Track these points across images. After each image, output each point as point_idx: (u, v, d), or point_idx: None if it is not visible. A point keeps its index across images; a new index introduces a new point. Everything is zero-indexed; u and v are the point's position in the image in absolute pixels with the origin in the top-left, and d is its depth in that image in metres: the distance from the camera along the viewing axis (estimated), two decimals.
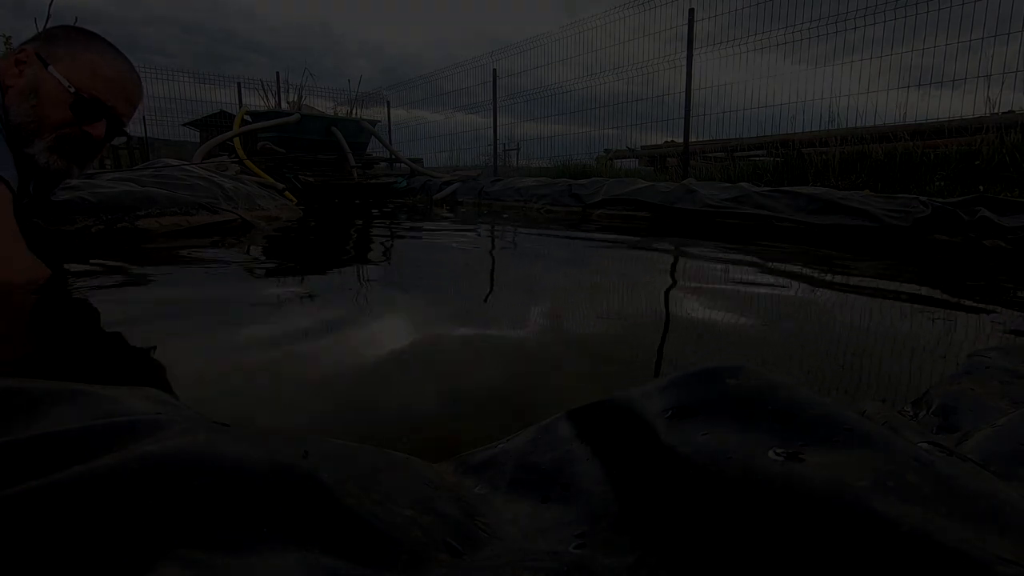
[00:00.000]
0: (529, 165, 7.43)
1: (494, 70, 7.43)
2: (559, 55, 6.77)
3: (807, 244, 1.95)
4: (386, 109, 9.77)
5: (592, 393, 0.61)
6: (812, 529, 0.22)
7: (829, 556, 0.21)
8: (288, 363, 0.69)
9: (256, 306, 0.98)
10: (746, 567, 0.23)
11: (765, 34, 4.74)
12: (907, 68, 4.03)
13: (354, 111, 5.69)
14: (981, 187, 2.96)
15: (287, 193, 2.97)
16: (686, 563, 0.24)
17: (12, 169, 0.96)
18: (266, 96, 5.80)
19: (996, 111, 3.72)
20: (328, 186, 3.94)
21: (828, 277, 1.36)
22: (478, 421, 0.55)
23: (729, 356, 0.76)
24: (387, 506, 0.25)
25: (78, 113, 1.04)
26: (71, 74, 1.03)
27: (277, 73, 8.51)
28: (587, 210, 3.02)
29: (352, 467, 0.26)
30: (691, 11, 5.00)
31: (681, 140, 5.28)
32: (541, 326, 0.89)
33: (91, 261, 1.26)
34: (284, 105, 6.01)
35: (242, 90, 9.80)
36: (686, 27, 5.04)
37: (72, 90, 1.02)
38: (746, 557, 0.23)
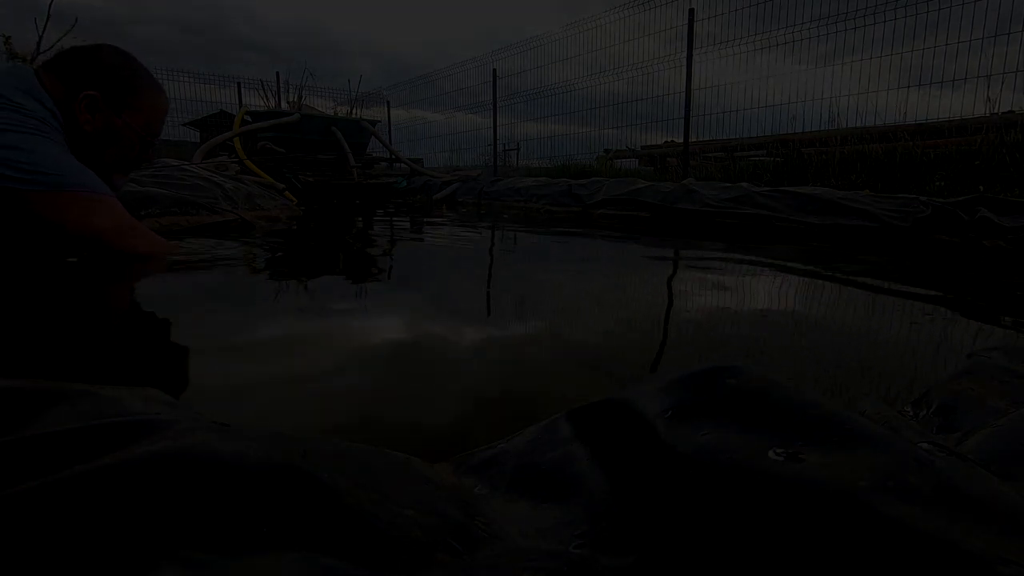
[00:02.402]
0: (529, 165, 7.43)
1: (494, 70, 7.43)
2: (559, 55, 6.77)
3: (807, 244, 1.95)
4: (386, 109, 9.77)
5: (593, 392, 0.61)
6: (812, 529, 0.22)
7: (830, 556, 0.21)
8: (288, 361, 0.69)
9: (256, 305, 0.98)
10: (746, 567, 0.23)
11: (765, 34, 4.74)
12: (907, 68, 4.03)
13: (354, 111, 5.69)
14: (981, 187, 2.96)
15: (287, 193, 2.97)
16: (686, 563, 0.24)
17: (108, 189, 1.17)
18: (266, 96, 5.81)
19: (996, 111, 3.72)
20: (328, 186, 3.93)
21: (828, 277, 1.36)
22: (481, 419, 0.55)
23: (729, 356, 0.76)
24: (387, 506, 0.25)
25: (144, 148, 1.26)
26: (140, 120, 1.21)
27: (277, 73, 8.51)
28: (587, 210, 3.02)
29: (352, 467, 0.26)
30: (691, 11, 5.00)
31: (681, 140, 5.28)
32: (543, 325, 0.89)
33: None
34: (284, 105, 6.01)
35: (242, 90, 9.80)
36: (686, 27, 5.04)
37: (146, 137, 1.23)
38: (746, 557, 0.23)
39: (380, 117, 8.89)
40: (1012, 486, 0.26)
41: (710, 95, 5.17)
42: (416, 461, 0.32)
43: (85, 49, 1.20)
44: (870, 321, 0.95)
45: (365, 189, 4.23)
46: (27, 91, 1.06)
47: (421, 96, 9.33)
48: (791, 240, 2.05)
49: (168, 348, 0.74)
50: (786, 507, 0.23)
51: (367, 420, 0.55)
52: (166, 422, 0.28)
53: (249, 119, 4.19)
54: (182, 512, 0.21)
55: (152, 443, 0.25)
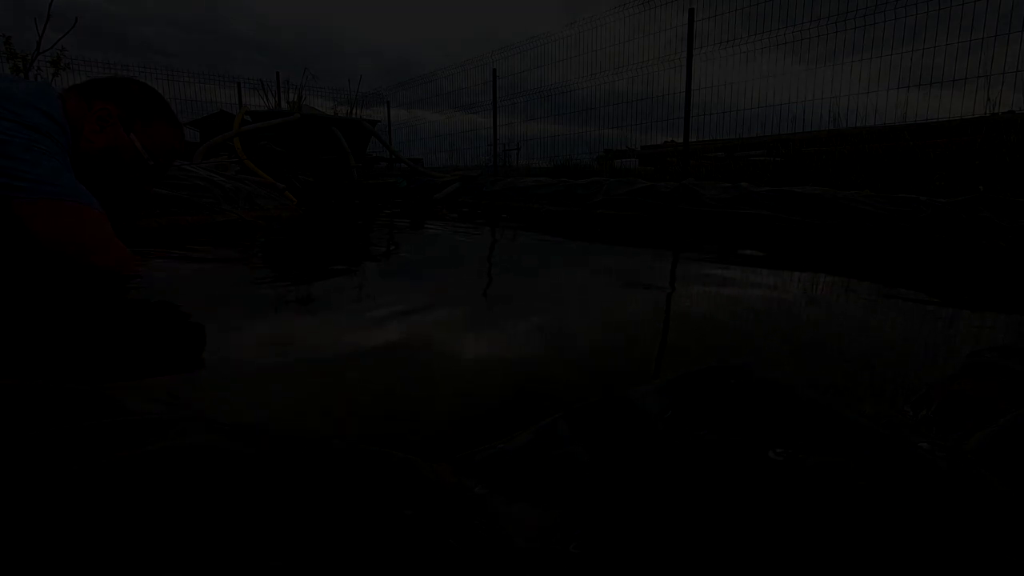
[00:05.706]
0: (529, 165, 7.43)
1: (494, 70, 7.44)
2: (559, 55, 6.78)
3: (807, 244, 1.95)
4: (386, 109, 9.77)
5: (592, 390, 0.61)
6: (813, 528, 0.22)
7: (830, 555, 0.21)
8: (289, 360, 0.69)
9: (256, 304, 0.97)
10: (746, 566, 0.23)
11: (765, 34, 4.74)
12: (908, 68, 4.03)
13: (354, 111, 5.69)
14: (981, 187, 2.96)
15: (287, 193, 2.97)
16: (687, 563, 0.24)
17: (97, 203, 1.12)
18: (266, 96, 5.81)
19: (996, 111, 3.73)
20: (328, 186, 3.93)
21: (828, 277, 1.36)
22: (481, 417, 0.55)
23: (729, 356, 0.76)
24: (387, 506, 0.25)
25: (144, 174, 1.24)
26: (148, 142, 1.21)
27: (277, 73, 8.52)
28: (587, 210, 3.02)
29: (351, 466, 0.26)
30: (691, 11, 5.01)
31: (681, 140, 5.28)
32: (542, 323, 0.89)
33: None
34: (284, 105, 6.01)
35: (242, 90, 9.79)
36: (686, 27, 5.04)
37: (150, 162, 1.22)
38: (746, 556, 0.23)
39: (380, 117, 8.90)
40: (1012, 486, 0.26)
41: (710, 95, 5.17)
42: (416, 461, 0.32)
43: (117, 77, 1.25)
44: (871, 321, 0.95)
45: (365, 189, 4.23)
46: (39, 107, 1.05)
47: (421, 96, 9.33)
48: (791, 240, 2.05)
49: (166, 347, 0.74)
50: (786, 507, 0.23)
51: (367, 418, 0.55)
52: (167, 421, 0.28)
53: (249, 119, 4.18)
54: (182, 509, 0.21)
55: (152, 443, 0.25)
